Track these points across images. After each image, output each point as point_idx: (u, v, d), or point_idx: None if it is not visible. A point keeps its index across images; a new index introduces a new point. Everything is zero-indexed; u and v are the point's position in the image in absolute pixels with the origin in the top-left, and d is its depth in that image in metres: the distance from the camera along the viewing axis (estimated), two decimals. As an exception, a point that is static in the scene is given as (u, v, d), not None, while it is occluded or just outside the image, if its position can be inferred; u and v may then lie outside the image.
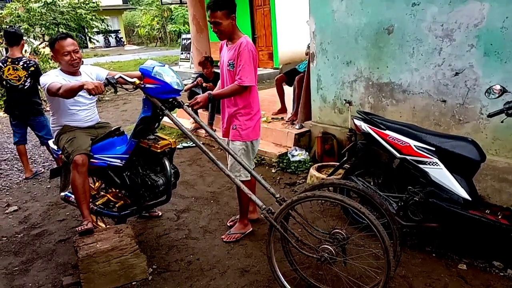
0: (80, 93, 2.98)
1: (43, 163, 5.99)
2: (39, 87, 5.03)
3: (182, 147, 6.14)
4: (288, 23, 11.16)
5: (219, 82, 3.49)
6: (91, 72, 3.40)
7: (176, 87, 2.84)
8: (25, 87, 4.95)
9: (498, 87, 2.77)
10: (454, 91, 3.56)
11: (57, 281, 3.06)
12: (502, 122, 2.84)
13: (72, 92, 2.90)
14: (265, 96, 7.90)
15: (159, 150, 3.04)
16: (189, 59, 13.56)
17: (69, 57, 3.17)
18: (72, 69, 3.23)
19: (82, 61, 3.46)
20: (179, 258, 3.24)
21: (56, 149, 3.41)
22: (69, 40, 3.19)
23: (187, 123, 6.49)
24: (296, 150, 5.01)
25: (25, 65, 4.94)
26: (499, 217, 2.78)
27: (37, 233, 3.83)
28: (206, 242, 3.47)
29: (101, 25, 16.03)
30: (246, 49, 3.01)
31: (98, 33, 18.35)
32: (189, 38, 11.70)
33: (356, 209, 2.26)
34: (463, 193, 2.84)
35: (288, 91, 6.11)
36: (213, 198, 4.36)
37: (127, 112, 9.22)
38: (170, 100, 2.91)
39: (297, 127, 5.35)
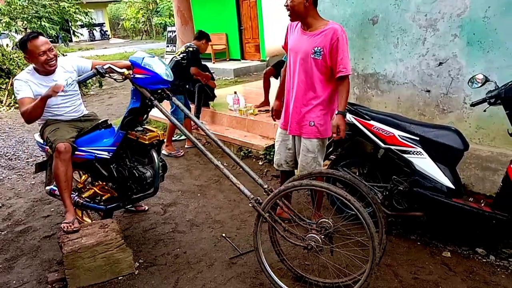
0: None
1: (27, 159, 5.89)
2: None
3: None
4: (274, 15, 11.10)
5: (282, 71, 3.26)
6: (72, 64, 3.31)
7: (165, 77, 2.84)
8: None
9: (480, 76, 2.80)
10: (438, 81, 3.59)
11: (42, 277, 3.02)
12: (484, 111, 2.88)
13: (38, 110, 2.98)
14: (252, 89, 7.90)
15: (147, 142, 3.02)
16: (175, 51, 13.44)
17: (45, 56, 3.04)
18: (49, 69, 3.12)
19: (66, 55, 3.40)
20: (166, 252, 3.23)
21: (42, 142, 3.37)
22: (41, 38, 3.05)
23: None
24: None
25: None
26: (482, 204, 2.82)
27: (21, 230, 3.77)
28: (193, 235, 3.46)
29: (85, 18, 15.84)
30: (344, 36, 2.80)
31: (82, 26, 18.16)
32: (175, 31, 11.59)
33: (342, 197, 2.27)
34: (447, 182, 2.88)
35: (275, 83, 6.09)
36: (200, 192, 4.34)
37: (113, 106, 9.11)
38: (159, 91, 2.90)
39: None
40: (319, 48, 2.82)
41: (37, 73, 3.14)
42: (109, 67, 2.88)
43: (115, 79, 3.00)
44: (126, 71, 2.84)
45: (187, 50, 5.54)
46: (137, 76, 2.82)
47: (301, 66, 2.93)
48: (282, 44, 3.20)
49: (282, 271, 2.78)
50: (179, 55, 5.56)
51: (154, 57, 2.93)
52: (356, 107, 3.33)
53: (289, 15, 2.91)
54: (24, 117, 3.01)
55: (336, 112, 2.86)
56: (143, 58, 2.84)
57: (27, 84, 3.07)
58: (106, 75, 2.87)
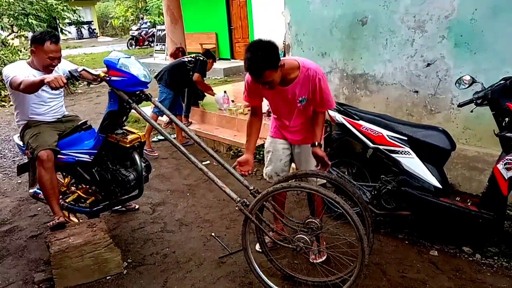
0: (43, 87, 2.86)
1: (13, 157, 5.81)
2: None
3: (157, 140, 6.06)
4: (264, 15, 11.12)
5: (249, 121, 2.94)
6: (58, 67, 3.25)
7: (143, 79, 2.76)
8: None
9: (468, 77, 2.84)
10: (426, 81, 3.62)
11: (28, 277, 2.98)
12: (471, 111, 2.91)
13: (33, 88, 2.79)
14: (242, 88, 7.87)
15: (128, 145, 2.97)
16: (164, 50, 13.37)
17: (51, 62, 3.02)
18: (46, 71, 3.07)
19: None
20: (155, 252, 3.21)
21: (22, 145, 3.30)
22: (59, 45, 3.06)
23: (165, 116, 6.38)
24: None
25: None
26: (469, 204, 2.86)
27: (7, 230, 3.72)
28: (182, 234, 3.45)
29: (73, 16, 15.66)
30: (322, 77, 2.54)
31: (70, 24, 17.94)
32: (164, 30, 11.54)
33: (331, 198, 2.28)
34: (434, 181, 2.91)
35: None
36: (189, 191, 4.33)
37: (101, 105, 9.01)
38: (138, 92, 2.82)
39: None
40: (303, 97, 2.61)
41: (30, 67, 3.11)
42: (83, 69, 2.80)
43: (90, 82, 2.94)
44: (101, 73, 2.74)
45: (197, 57, 5.69)
46: (113, 78, 2.72)
47: (288, 109, 2.74)
48: (243, 97, 2.87)
49: (271, 270, 2.79)
50: (187, 58, 5.72)
51: (130, 57, 2.84)
52: (345, 107, 3.36)
53: (269, 88, 2.51)
54: (20, 87, 2.82)
55: (316, 143, 2.63)
56: (119, 59, 2.74)
57: (22, 69, 3.02)
58: (81, 78, 2.80)
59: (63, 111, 3.37)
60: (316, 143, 2.63)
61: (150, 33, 20.96)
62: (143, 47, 21.01)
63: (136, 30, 21.28)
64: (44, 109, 3.20)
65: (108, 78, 2.74)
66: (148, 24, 22.32)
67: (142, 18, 22.80)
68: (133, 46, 20.76)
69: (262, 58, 2.30)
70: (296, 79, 2.54)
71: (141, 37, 20.89)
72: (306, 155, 2.82)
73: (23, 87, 2.79)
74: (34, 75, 3.01)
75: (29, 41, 3.18)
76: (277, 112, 2.86)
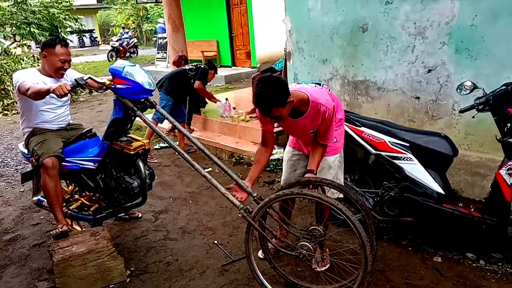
0: (51, 94, 2.90)
1: (16, 166, 5.82)
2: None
3: (159, 147, 6.08)
4: (265, 22, 11.19)
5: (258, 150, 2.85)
6: (66, 74, 3.31)
7: (147, 87, 2.79)
8: None
9: (469, 83, 2.84)
10: (427, 87, 3.63)
11: (31, 286, 2.98)
12: (473, 117, 2.91)
13: (39, 95, 2.86)
14: (243, 95, 7.91)
15: (132, 152, 2.99)
16: (165, 58, 13.43)
17: (62, 65, 3.10)
18: (57, 75, 3.14)
19: None
20: (158, 260, 3.20)
21: (27, 153, 3.32)
22: (68, 49, 3.17)
23: (165, 123, 6.41)
24: (275, 149, 5.01)
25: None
26: (472, 210, 2.85)
27: (10, 238, 3.72)
28: (185, 242, 3.44)
29: (75, 24, 15.78)
30: (331, 112, 2.56)
31: (71, 32, 18.06)
32: (165, 38, 11.60)
33: (333, 206, 2.28)
34: (437, 187, 2.91)
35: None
36: (191, 198, 4.33)
37: (103, 113, 9.05)
38: (142, 100, 2.86)
39: (275, 125, 5.34)
40: (313, 130, 2.65)
41: (41, 73, 3.16)
42: (89, 77, 2.85)
43: (95, 90, 3.00)
44: (107, 81, 2.80)
45: (197, 65, 5.77)
46: (118, 86, 2.77)
47: (301, 136, 2.84)
48: (261, 125, 2.77)
49: (275, 277, 2.78)
50: (188, 66, 5.82)
51: (134, 65, 2.89)
52: (347, 113, 3.35)
53: (278, 121, 2.62)
54: (27, 92, 2.89)
55: (312, 170, 2.60)
56: (124, 67, 2.79)
57: (32, 76, 3.08)
58: (86, 86, 2.85)
59: (68, 120, 3.40)
60: (311, 170, 2.60)
61: (131, 44, 20.53)
62: (123, 58, 20.40)
63: (117, 41, 20.36)
64: (51, 116, 3.23)
65: (113, 86, 2.79)
66: (130, 34, 21.75)
67: (123, 29, 22.38)
68: (114, 58, 19.56)
69: (270, 96, 2.30)
70: (306, 113, 2.53)
71: (122, 48, 20.01)
72: (322, 166, 2.81)
73: (30, 93, 2.86)
74: (44, 82, 3.06)
75: (40, 48, 3.27)
76: (292, 135, 2.95)
